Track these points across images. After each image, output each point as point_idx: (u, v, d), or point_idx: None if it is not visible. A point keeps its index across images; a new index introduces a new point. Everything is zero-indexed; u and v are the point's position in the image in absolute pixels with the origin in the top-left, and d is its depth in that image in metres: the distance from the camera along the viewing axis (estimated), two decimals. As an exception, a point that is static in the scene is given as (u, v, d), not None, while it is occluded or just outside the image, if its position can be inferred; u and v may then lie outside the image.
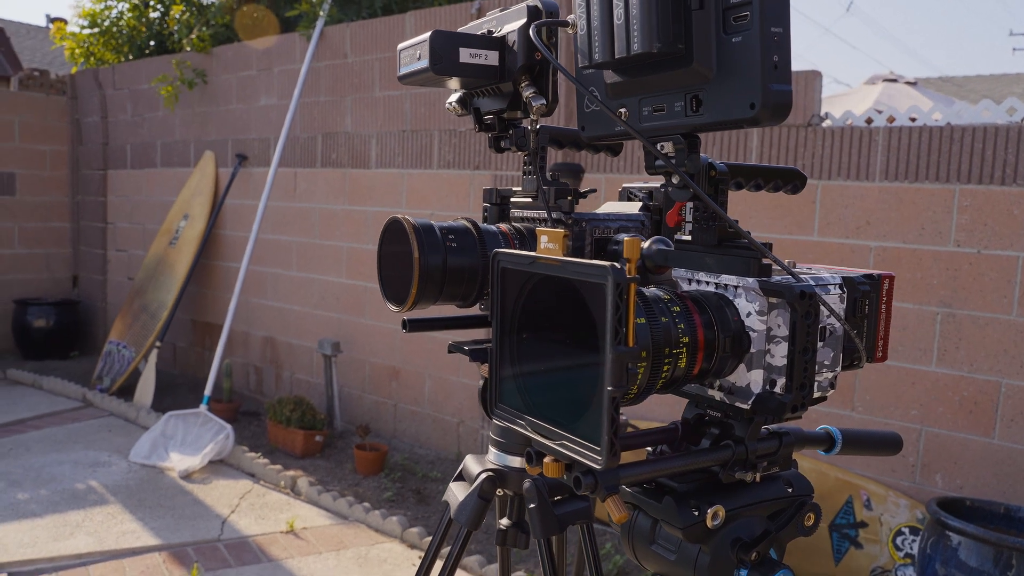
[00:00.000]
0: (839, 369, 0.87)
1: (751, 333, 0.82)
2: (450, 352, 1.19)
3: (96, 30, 6.66)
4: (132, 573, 3.00)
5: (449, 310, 1.21)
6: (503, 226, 1.19)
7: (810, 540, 2.96)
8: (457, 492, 1.37)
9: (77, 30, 6.74)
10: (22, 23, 16.38)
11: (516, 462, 1.33)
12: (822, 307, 0.82)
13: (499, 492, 1.35)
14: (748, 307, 0.82)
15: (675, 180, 0.87)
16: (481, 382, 1.28)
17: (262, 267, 5.28)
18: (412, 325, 1.21)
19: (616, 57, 0.81)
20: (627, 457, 0.74)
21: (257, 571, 3.05)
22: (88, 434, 4.60)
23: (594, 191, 1.29)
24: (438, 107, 4.26)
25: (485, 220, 1.27)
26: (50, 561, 3.06)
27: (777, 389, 0.82)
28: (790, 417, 0.83)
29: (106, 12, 6.63)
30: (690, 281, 0.89)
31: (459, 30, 1.15)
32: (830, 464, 3.02)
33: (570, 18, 0.89)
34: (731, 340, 0.82)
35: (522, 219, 1.23)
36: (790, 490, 0.88)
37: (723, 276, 0.85)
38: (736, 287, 0.84)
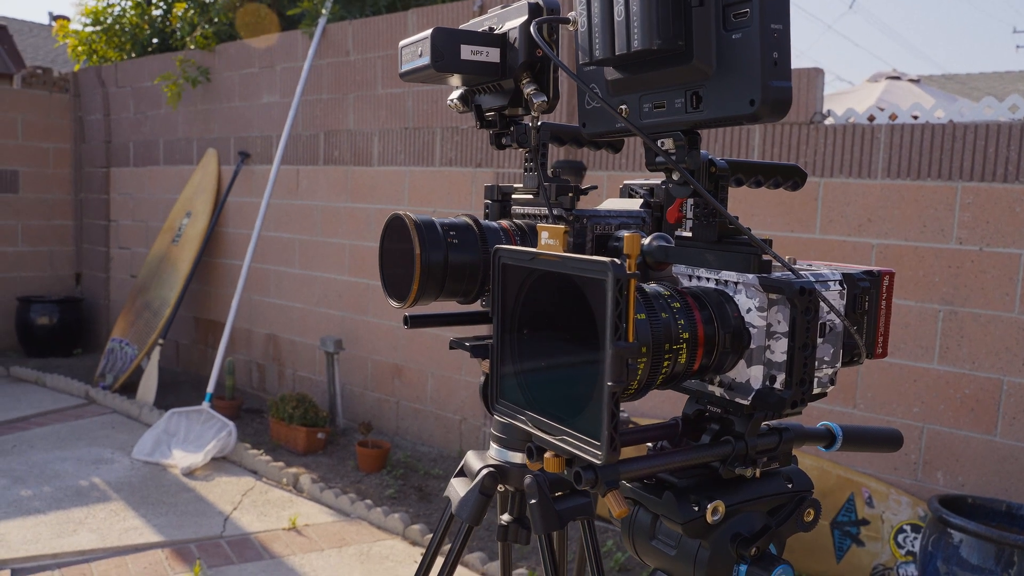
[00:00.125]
0: (839, 365, 0.87)
1: (751, 329, 0.82)
2: (451, 348, 1.20)
3: (99, 28, 6.67)
4: (135, 570, 3.01)
5: (451, 306, 1.21)
6: (504, 222, 1.19)
7: (812, 538, 2.96)
8: (458, 488, 1.38)
9: (80, 28, 6.75)
10: (25, 21, 16.41)
11: (517, 458, 1.33)
12: (822, 303, 0.82)
13: (500, 488, 1.36)
14: (748, 303, 0.83)
15: (675, 177, 0.87)
16: (482, 378, 1.29)
17: (264, 264, 5.29)
18: (414, 321, 1.21)
19: (617, 54, 0.81)
20: (627, 453, 0.75)
21: (259, 568, 3.06)
22: (91, 431, 4.61)
23: (595, 188, 1.30)
24: (440, 104, 4.26)
25: (486, 217, 1.27)
26: (53, 558, 3.07)
27: (777, 385, 0.82)
28: (790, 413, 0.83)
29: (109, 10, 6.63)
30: (690, 277, 0.89)
31: (460, 27, 1.15)
32: (832, 462, 3.02)
33: (571, 15, 0.89)
34: (731, 336, 0.82)
35: (523, 216, 1.24)
36: (790, 486, 0.88)
37: (723, 272, 0.85)
38: (736, 283, 0.84)
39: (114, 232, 6.61)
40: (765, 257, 0.83)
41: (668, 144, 0.86)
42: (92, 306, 6.81)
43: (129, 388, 5.33)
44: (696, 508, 0.82)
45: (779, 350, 0.82)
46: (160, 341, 5.25)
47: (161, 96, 5.90)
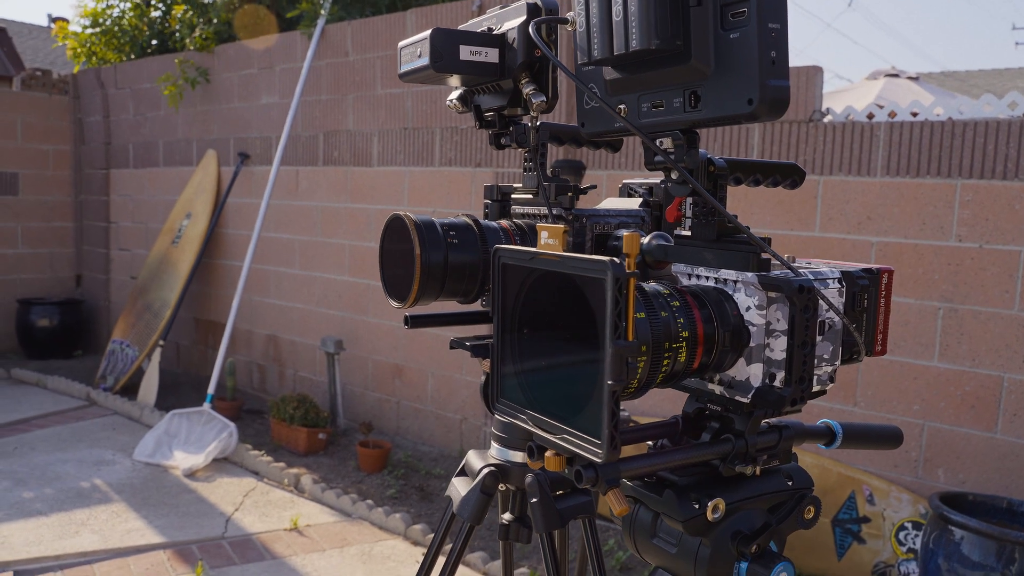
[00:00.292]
0: (838, 363, 0.87)
1: (750, 327, 0.83)
2: (452, 348, 1.20)
3: (98, 29, 6.67)
4: (137, 571, 3.01)
5: (451, 306, 1.22)
6: (504, 222, 1.20)
7: (813, 535, 2.97)
8: (459, 487, 1.38)
9: (79, 30, 6.75)
10: (24, 23, 16.40)
11: (518, 457, 1.33)
12: (821, 301, 0.82)
13: (501, 487, 1.36)
14: (747, 301, 0.83)
15: (674, 176, 0.87)
16: (483, 377, 1.29)
17: (265, 265, 5.29)
18: (414, 321, 1.22)
19: (615, 54, 0.81)
20: (628, 451, 0.75)
21: (261, 569, 3.06)
22: (92, 433, 4.61)
23: (594, 187, 1.30)
24: (439, 105, 4.26)
25: (486, 216, 1.28)
26: (55, 559, 3.07)
27: (776, 383, 0.82)
28: (790, 410, 0.83)
29: (108, 11, 6.64)
30: (690, 276, 0.89)
31: (459, 28, 1.15)
32: (832, 459, 3.02)
33: (569, 15, 0.89)
34: (730, 334, 0.82)
35: (523, 215, 1.24)
36: (790, 483, 0.89)
37: (722, 271, 0.85)
38: (735, 282, 0.84)
39: (114, 234, 6.61)
40: (764, 255, 0.83)
41: (667, 143, 0.86)
42: (92, 308, 6.82)
43: (130, 390, 5.33)
44: (697, 506, 0.82)
45: (778, 348, 0.82)
46: (161, 342, 5.25)
47: (160, 97, 5.90)
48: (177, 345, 6.09)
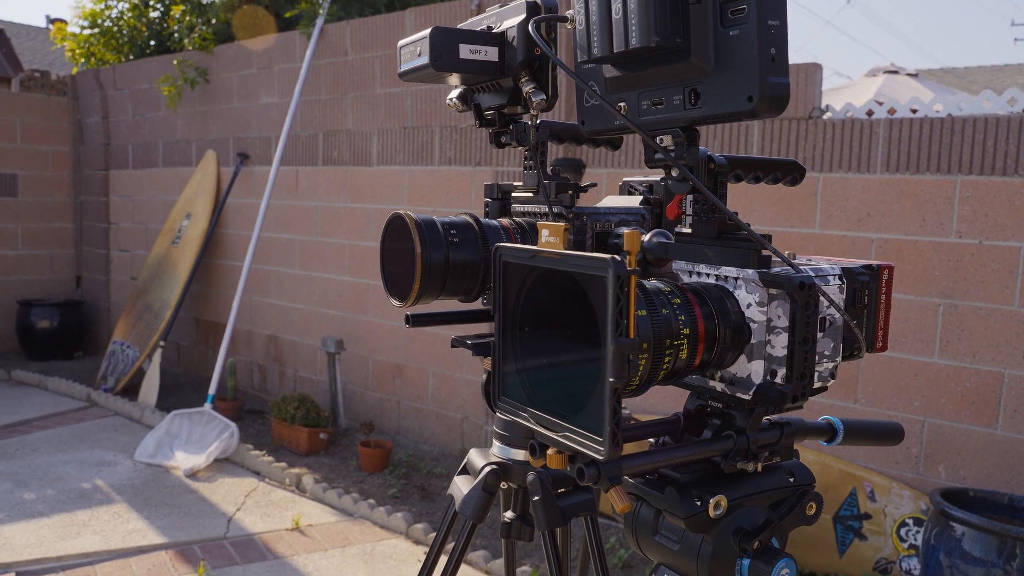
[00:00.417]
0: (839, 359, 0.88)
1: (751, 324, 0.83)
2: (453, 346, 1.20)
3: (96, 30, 6.67)
4: (139, 572, 3.01)
5: (452, 305, 1.22)
6: (504, 221, 1.20)
7: (814, 532, 2.97)
8: (461, 486, 1.38)
9: (77, 31, 6.75)
10: (22, 24, 16.40)
11: (520, 455, 1.33)
12: (822, 298, 0.82)
13: (503, 485, 1.36)
14: (748, 298, 0.83)
15: (674, 173, 0.87)
16: (485, 376, 1.29)
17: (265, 265, 5.29)
18: (415, 320, 1.22)
19: (615, 52, 0.81)
20: (630, 449, 0.75)
21: (263, 568, 3.06)
22: (93, 434, 4.61)
23: (594, 185, 1.30)
24: (439, 104, 4.26)
25: (487, 215, 1.28)
26: (57, 560, 3.07)
27: (778, 379, 0.82)
28: (791, 407, 0.83)
29: (106, 12, 6.63)
30: (690, 273, 0.90)
31: (459, 26, 1.15)
32: (834, 456, 3.02)
33: (569, 13, 0.89)
34: (732, 331, 0.83)
35: (523, 214, 1.24)
36: (792, 480, 0.89)
37: (723, 268, 0.85)
38: (736, 279, 0.84)
39: (114, 234, 6.61)
40: (765, 252, 0.83)
41: (667, 141, 0.86)
42: (93, 309, 6.82)
43: (131, 390, 5.33)
44: (698, 503, 0.82)
45: (779, 345, 0.82)
46: (161, 343, 5.25)
47: (160, 98, 5.90)
48: (178, 346, 6.09)
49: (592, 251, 1.15)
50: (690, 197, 0.92)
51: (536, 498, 1.28)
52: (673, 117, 0.83)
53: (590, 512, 1.36)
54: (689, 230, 0.91)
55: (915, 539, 2.85)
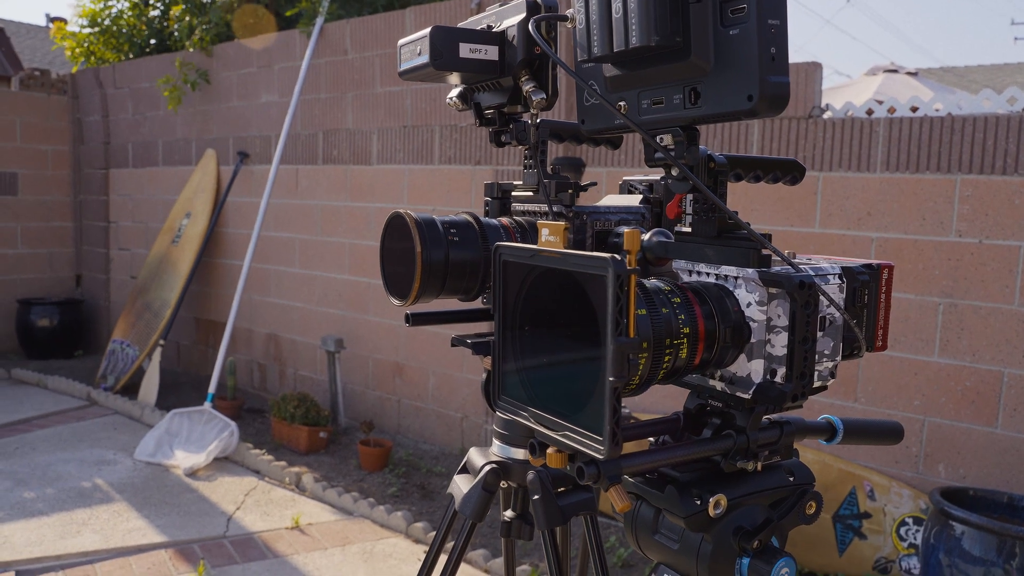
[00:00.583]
0: (839, 358, 0.88)
1: (751, 323, 0.83)
2: (453, 345, 1.20)
3: (96, 29, 6.66)
4: (139, 570, 3.01)
5: (452, 304, 1.22)
6: (504, 220, 1.20)
7: (814, 531, 2.97)
8: (461, 484, 1.38)
9: (77, 29, 6.74)
10: (22, 23, 16.39)
11: (520, 454, 1.33)
12: (822, 297, 0.82)
13: (503, 484, 1.36)
14: (748, 297, 0.83)
15: (674, 172, 0.87)
16: (484, 375, 1.29)
17: (265, 264, 5.29)
18: (415, 319, 1.22)
19: (615, 51, 0.81)
20: (630, 448, 0.75)
21: (263, 567, 3.06)
22: (93, 432, 4.61)
23: (594, 184, 1.30)
24: (439, 103, 4.26)
25: (487, 214, 1.28)
26: (57, 559, 3.07)
27: (778, 379, 0.82)
28: (791, 406, 0.83)
29: (106, 11, 6.63)
30: (690, 272, 0.90)
31: (459, 25, 1.15)
32: (833, 455, 3.02)
33: (569, 12, 0.89)
34: (731, 330, 0.83)
35: (523, 213, 1.24)
36: (791, 479, 0.89)
37: (723, 267, 0.85)
38: (736, 278, 0.84)
39: (114, 233, 6.61)
40: (765, 252, 0.83)
41: (667, 140, 0.86)
42: (92, 308, 6.82)
43: (130, 389, 5.33)
44: (698, 502, 0.82)
45: (779, 344, 0.82)
46: (161, 342, 5.25)
47: (160, 97, 5.90)
48: (177, 344, 6.09)
49: (592, 250, 1.15)
50: (690, 196, 0.92)
51: (536, 497, 1.28)
52: (673, 116, 0.83)
53: (590, 511, 1.36)
54: (689, 229, 0.91)
55: (915, 538, 2.85)
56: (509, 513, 1.40)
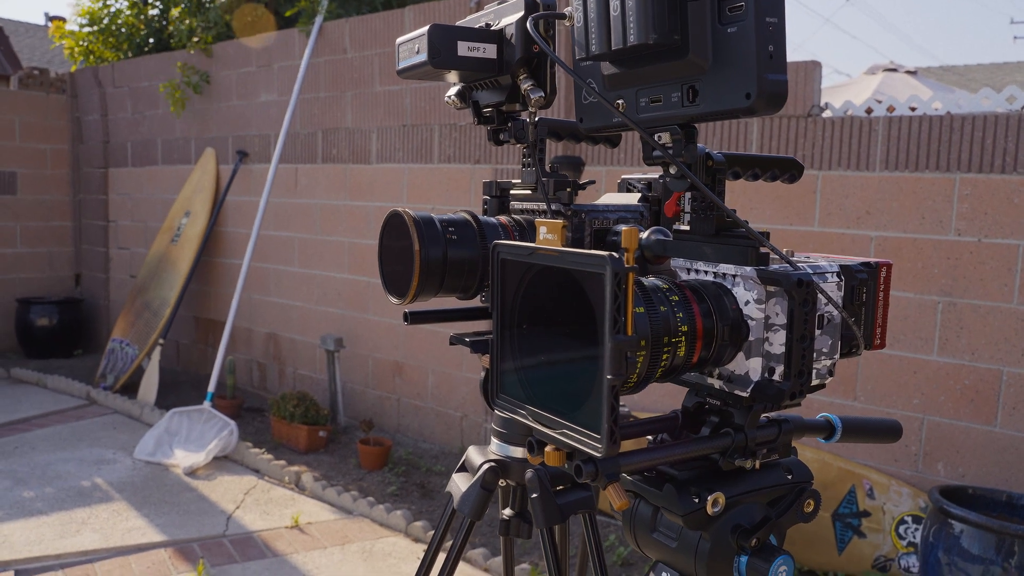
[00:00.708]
0: (837, 356, 0.88)
1: (749, 321, 0.83)
2: (451, 344, 1.20)
3: (95, 28, 6.66)
4: (138, 569, 3.01)
5: (450, 302, 1.22)
6: (503, 218, 1.20)
7: (813, 530, 2.97)
8: (460, 483, 1.38)
9: (76, 28, 6.74)
10: (21, 22, 16.38)
11: (518, 452, 1.33)
12: (820, 295, 0.82)
13: (502, 483, 1.36)
14: (746, 296, 0.83)
15: (672, 170, 0.87)
16: (483, 374, 1.29)
17: (264, 263, 5.29)
18: (414, 317, 1.22)
19: (613, 49, 0.81)
20: (628, 446, 0.75)
21: (262, 566, 3.06)
22: (93, 432, 4.61)
23: (592, 183, 1.30)
24: (438, 101, 4.26)
25: (485, 213, 1.28)
26: (56, 558, 3.07)
27: (776, 377, 0.82)
28: (789, 404, 0.83)
29: (105, 10, 6.62)
30: (689, 271, 0.90)
31: (457, 23, 1.15)
32: (833, 454, 3.02)
33: (567, 10, 0.89)
34: (729, 329, 0.83)
35: (522, 211, 1.24)
36: (790, 477, 0.89)
37: (721, 265, 0.85)
38: (734, 276, 0.84)
39: (113, 232, 6.61)
40: (763, 250, 0.83)
41: (665, 138, 0.86)
42: (92, 307, 6.82)
43: (130, 388, 5.33)
44: (696, 500, 0.82)
45: (777, 342, 0.82)
46: (160, 341, 5.25)
47: (159, 96, 5.90)
48: (177, 343, 6.09)
49: (591, 248, 1.15)
50: (688, 194, 0.92)
51: (534, 495, 1.28)
52: (671, 114, 0.83)
53: (589, 510, 1.36)
54: (687, 227, 0.91)
55: (914, 536, 2.85)
56: (508, 511, 1.40)
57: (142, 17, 6.53)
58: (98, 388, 5.37)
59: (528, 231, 1.17)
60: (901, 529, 2.88)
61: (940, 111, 2.94)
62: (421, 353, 4.41)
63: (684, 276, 0.90)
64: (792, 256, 0.87)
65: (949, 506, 2.49)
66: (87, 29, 6.68)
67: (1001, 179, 2.75)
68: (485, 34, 1.13)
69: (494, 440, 1.37)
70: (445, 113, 4.23)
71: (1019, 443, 2.75)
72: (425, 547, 3.04)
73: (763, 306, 0.82)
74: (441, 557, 1.44)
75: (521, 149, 1.23)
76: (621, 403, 0.71)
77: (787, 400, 0.82)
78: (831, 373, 0.87)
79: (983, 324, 2.80)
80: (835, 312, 0.85)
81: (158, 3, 6.50)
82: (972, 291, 2.82)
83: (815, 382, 0.85)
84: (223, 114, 5.56)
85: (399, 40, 1.19)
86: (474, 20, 1.19)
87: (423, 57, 1.11)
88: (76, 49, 6.74)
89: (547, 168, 1.23)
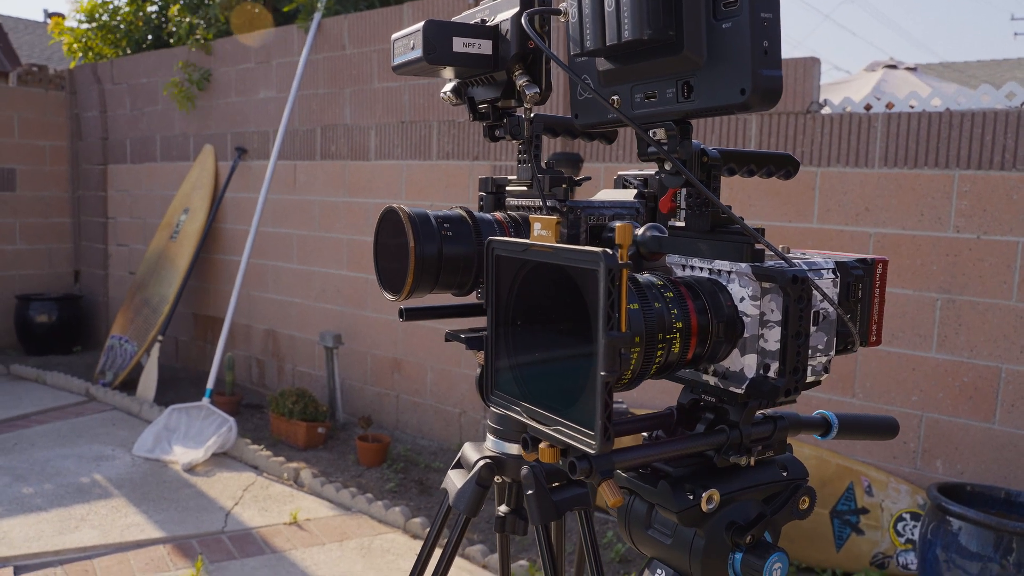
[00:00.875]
0: (833, 353, 0.87)
1: (744, 318, 0.82)
2: (447, 340, 1.20)
3: (94, 24, 6.65)
4: (137, 566, 3.02)
5: (446, 299, 1.21)
6: (498, 214, 1.19)
7: (812, 527, 2.97)
8: (455, 479, 1.38)
9: (75, 25, 6.73)
10: (20, 18, 16.36)
11: (514, 449, 1.33)
12: (815, 291, 0.82)
13: (497, 479, 1.36)
14: (741, 292, 0.83)
15: (668, 167, 0.87)
16: (478, 370, 1.29)
17: (263, 260, 5.29)
18: (409, 314, 1.21)
19: (607, 44, 0.81)
20: (624, 443, 0.75)
21: (261, 563, 3.07)
22: (92, 428, 4.62)
23: (588, 179, 1.30)
24: (437, 98, 4.25)
25: (481, 209, 1.27)
26: (56, 554, 3.08)
27: (771, 373, 0.82)
28: (783, 401, 0.83)
29: (104, 6, 6.62)
30: (684, 267, 0.89)
31: (453, 19, 1.15)
32: (831, 451, 3.02)
33: (562, 6, 0.89)
34: (724, 325, 0.82)
35: (518, 207, 1.24)
36: (785, 474, 0.89)
37: (716, 262, 0.85)
38: (729, 272, 0.84)
39: (112, 229, 6.61)
40: (758, 246, 0.83)
41: (660, 134, 0.86)
42: (91, 303, 6.82)
43: (129, 385, 5.33)
44: (691, 497, 0.82)
45: (772, 339, 0.82)
46: (159, 338, 5.25)
47: (158, 93, 5.89)
48: (176, 340, 6.09)
49: (586, 245, 1.14)
50: (684, 191, 0.91)
51: (530, 492, 1.28)
52: (666, 110, 0.83)
53: (584, 506, 1.36)
54: (683, 224, 0.91)
55: (912, 534, 2.85)
56: (503, 508, 1.40)
57: (141, 14, 6.52)
58: (97, 385, 5.37)
59: (523, 227, 1.17)
60: (899, 526, 2.88)
61: (939, 108, 2.94)
62: (420, 350, 4.41)
63: (679, 272, 0.89)
64: (788, 252, 0.86)
65: (947, 503, 2.49)
66: (86, 26, 6.68)
67: (1000, 176, 2.75)
68: (480, 30, 1.12)
69: (489, 436, 1.37)
70: (443, 110, 4.23)
71: (1017, 440, 2.75)
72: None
73: (758, 303, 0.82)
74: (437, 553, 1.44)
75: (518, 146, 1.23)
76: (618, 399, 0.71)
77: (782, 397, 0.82)
78: (827, 370, 0.87)
79: (982, 321, 2.80)
80: (830, 309, 0.85)
81: (156, 0, 6.48)
82: (971, 288, 2.82)
83: (810, 379, 0.85)
84: (222, 111, 5.55)
85: (394, 36, 1.18)
86: (469, 16, 1.18)
87: (418, 53, 1.11)
88: (75, 46, 6.74)
89: (543, 164, 1.22)
